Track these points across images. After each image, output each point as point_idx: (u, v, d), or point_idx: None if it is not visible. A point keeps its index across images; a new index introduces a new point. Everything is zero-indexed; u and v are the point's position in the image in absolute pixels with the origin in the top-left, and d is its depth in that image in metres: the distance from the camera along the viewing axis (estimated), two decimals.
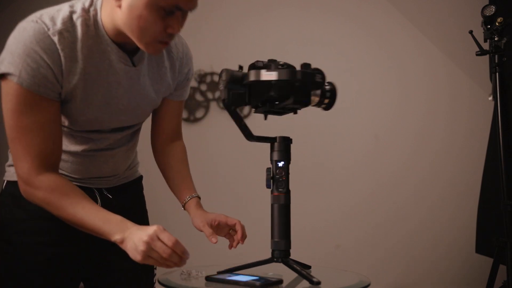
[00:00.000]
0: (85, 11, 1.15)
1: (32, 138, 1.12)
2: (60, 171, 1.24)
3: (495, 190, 2.18)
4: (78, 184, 1.25)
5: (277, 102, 1.13)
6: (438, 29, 3.41)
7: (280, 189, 1.15)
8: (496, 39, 2.02)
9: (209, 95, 3.42)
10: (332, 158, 3.42)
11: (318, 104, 1.17)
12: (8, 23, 1.31)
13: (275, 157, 1.16)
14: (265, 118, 1.20)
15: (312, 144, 3.33)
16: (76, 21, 1.13)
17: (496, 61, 2.04)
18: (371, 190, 3.40)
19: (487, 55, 2.06)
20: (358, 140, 3.45)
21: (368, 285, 1.09)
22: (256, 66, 1.12)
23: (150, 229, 1.06)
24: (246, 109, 3.34)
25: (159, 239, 1.05)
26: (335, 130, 3.42)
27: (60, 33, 1.10)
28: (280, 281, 1.09)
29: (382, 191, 3.40)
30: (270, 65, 1.11)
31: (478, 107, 3.28)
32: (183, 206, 1.43)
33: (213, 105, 3.41)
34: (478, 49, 2.07)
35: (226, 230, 1.39)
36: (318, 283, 1.06)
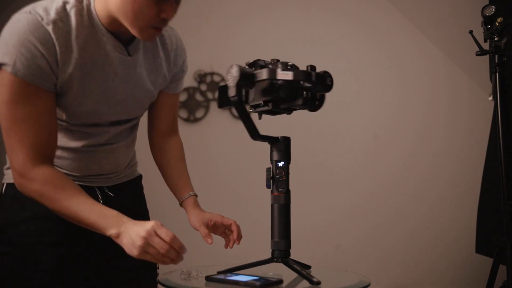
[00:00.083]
0: (79, 1, 1.15)
1: (27, 129, 1.11)
2: (60, 169, 1.24)
3: (495, 190, 2.18)
4: (79, 183, 1.25)
5: (283, 103, 1.13)
6: (438, 29, 3.41)
7: (280, 189, 1.15)
8: (496, 39, 2.02)
9: (209, 95, 3.42)
10: (332, 158, 3.42)
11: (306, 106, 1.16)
12: None
13: (275, 157, 1.16)
14: (260, 118, 1.20)
15: (312, 144, 3.33)
16: (69, 11, 1.13)
17: (496, 61, 2.04)
18: (371, 190, 3.40)
19: (487, 55, 2.06)
20: (358, 140, 3.45)
21: (368, 285, 1.09)
22: (257, 65, 1.12)
23: (148, 224, 1.06)
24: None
25: (156, 234, 1.04)
26: (335, 130, 3.42)
27: (54, 22, 1.10)
28: (280, 281, 1.09)
29: (382, 191, 3.40)
30: (276, 64, 1.11)
31: (478, 107, 3.28)
32: (181, 204, 1.46)
33: (213, 105, 3.41)
34: (478, 49, 2.07)
35: (222, 229, 1.42)
36: (318, 283, 1.06)
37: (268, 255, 1.17)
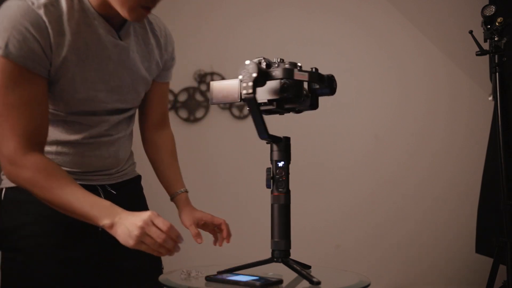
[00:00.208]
0: None
1: (18, 116, 1.10)
2: (61, 167, 1.23)
3: (495, 190, 2.18)
4: (81, 182, 1.24)
5: (289, 103, 1.13)
6: (438, 29, 3.41)
7: (280, 189, 1.15)
8: (496, 39, 2.02)
9: (209, 95, 3.41)
10: (332, 158, 3.42)
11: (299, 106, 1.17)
12: None
13: (275, 157, 1.16)
14: None
15: (312, 144, 3.33)
16: None
17: (496, 61, 2.04)
18: (371, 190, 3.40)
19: (487, 55, 2.06)
20: (358, 140, 3.45)
21: (368, 285, 1.09)
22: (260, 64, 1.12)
23: (145, 214, 1.05)
24: (246, 109, 3.34)
25: (153, 224, 1.04)
26: (335, 130, 3.42)
27: (45, 6, 1.10)
28: (280, 281, 1.09)
29: (382, 191, 3.40)
30: (283, 63, 1.11)
31: (478, 107, 3.28)
32: (172, 199, 1.48)
33: (213, 105, 3.40)
34: (478, 49, 2.07)
35: (212, 227, 1.45)
36: (318, 283, 1.06)
37: (268, 255, 1.17)
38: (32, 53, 1.09)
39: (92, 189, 1.26)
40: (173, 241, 1.06)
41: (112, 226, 1.07)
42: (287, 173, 1.15)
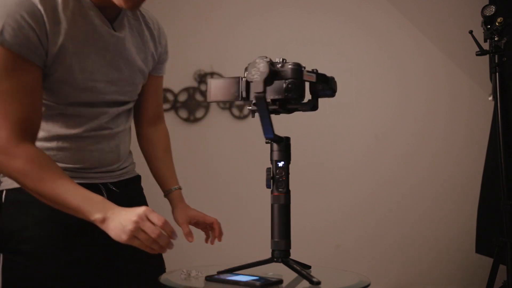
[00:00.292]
0: None
1: (12, 104, 1.09)
2: (62, 164, 1.22)
3: (495, 190, 2.18)
4: (82, 180, 1.23)
5: (292, 103, 1.13)
6: (438, 29, 3.41)
7: (280, 189, 1.15)
8: (496, 39, 2.02)
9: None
10: (332, 158, 3.42)
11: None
12: None
13: (275, 157, 1.16)
14: (253, 116, 1.20)
15: (312, 144, 3.33)
16: None
17: (496, 61, 2.04)
18: (371, 190, 3.40)
19: (487, 55, 2.06)
20: (358, 140, 3.45)
21: (368, 285, 1.09)
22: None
23: (139, 209, 1.05)
24: (246, 109, 3.34)
25: (148, 219, 1.04)
26: (335, 130, 3.42)
27: None
28: (280, 281, 1.09)
29: (382, 191, 3.40)
30: (285, 63, 1.11)
31: (478, 107, 3.28)
32: (165, 195, 1.49)
33: (213, 105, 3.40)
34: (478, 49, 2.07)
35: (204, 225, 1.47)
36: (318, 283, 1.06)
37: (268, 255, 1.17)
38: (27, 41, 1.08)
39: (95, 187, 1.26)
40: (167, 237, 1.05)
41: (104, 220, 1.06)
42: (287, 173, 1.15)
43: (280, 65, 1.10)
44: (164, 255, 1.45)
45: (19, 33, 1.07)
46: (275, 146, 1.16)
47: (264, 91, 1.06)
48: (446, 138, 3.42)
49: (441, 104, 3.44)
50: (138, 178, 1.48)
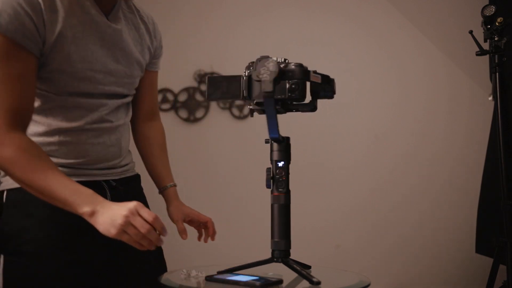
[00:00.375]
0: None
1: (5, 91, 1.09)
2: (64, 160, 1.21)
3: (495, 190, 2.18)
4: (85, 178, 1.23)
5: (294, 103, 1.14)
6: (438, 29, 3.41)
7: (280, 189, 1.15)
8: (496, 39, 2.02)
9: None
10: (332, 158, 3.42)
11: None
12: None
13: (275, 157, 1.16)
14: (252, 115, 1.21)
15: (312, 144, 3.33)
16: None
17: (496, 61, 2.04)
18: (371, 190, 3.40)
19: (487, 55, 2.06)
20: (358, 140, 3.45)
21: (368, 285, 1.09)
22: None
23: (130, 204, 1.04)
24: (246, 109, 3.34)
25: (139, 214, 1.03)
26: (335, 130, 3.42)
27: None
28: (280, 281, 1.09)
29: (382, 191, 3.40)
30: (288, 63, 1.11)
31: (478, 107, 3.28)
32: (161, 192, 1.50)
33: (213, 105, 3.40)
34: (478, 49, 2.07)
35: (198, 224, 1.48)
36: (318, 283, 1.06)
37: (268, 255, 1.17)
38: (23, 28, 1.08)
39: (97, 185, 1.26)
40: (156, 234, 1.04)
41: (92, 214, 1.05)
42: (287, 173, 1.15)
43: (283, 65, 1.11)
44: (164, 255, 1.46)
45: (15, 19, 1.07)
46: (275, 146, 1.16)
47: (274, 91, 1.06)
48: (446, 138, 3.42)
49: (441, 104, 3.44)
50: (138, 177, 1.48)
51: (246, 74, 1.13)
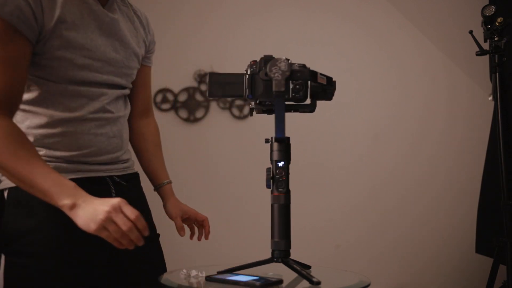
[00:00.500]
0: None
1: None
2: (68, 152, 1.21)
3: (495, 190, 2.18)
4: (87, 174, 1.22)
5: (296, 103, 1.14)
6: (438, 29, 3.41)
7: (280, 189, 1.15)
8: (496, 39, 2.02)
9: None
10: (332, 158, 3.42)
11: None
12: None
13: (275, 157, 1.16)
14: (251, 115, 1.22)
15: (312, 144, 3.33)
16: None
17: (496, 61, 2.04)
18: (371, 190, 3.40)
19: (487, 55, 2.06)
20: (358, 140, 3.45)
21: (368, 285, 1.09)
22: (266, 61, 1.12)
23: (114, 200, 1.03)
24: (246, 109, 3.34)
25: (121, 211, 1.02)
26: (335, 130, 3.42)
27: None
28: (280, 281, 1.09)
29: (382, 190, 3.40)
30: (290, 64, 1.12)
31: (478, 107, 3.28)
32: (156, 189, 1.51)
33: (213, 105, 3.40)
34: (478, 49, 2.07)
35: (193, 222, 1.50)
36: (318, 283, 1.06)
37: (268, 255, 1.17)
38: (19, 11, 1.08)
39: (102, 181, 1.26)
40: (137, 233, 1.02)
41: (73, 207, 1.04)
42: (287, 173, 1.15)
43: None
44: (164, 255, 1.46)
45: (11, 3, 1.07)
46: (275, 146, 1.16)
47: (285, 90, 1.06)
48: (446, 138, 3.42)
49: (441, 104, 3.44)
50: (138, 175, 1.48)
51: (249, 73, 1.13)
